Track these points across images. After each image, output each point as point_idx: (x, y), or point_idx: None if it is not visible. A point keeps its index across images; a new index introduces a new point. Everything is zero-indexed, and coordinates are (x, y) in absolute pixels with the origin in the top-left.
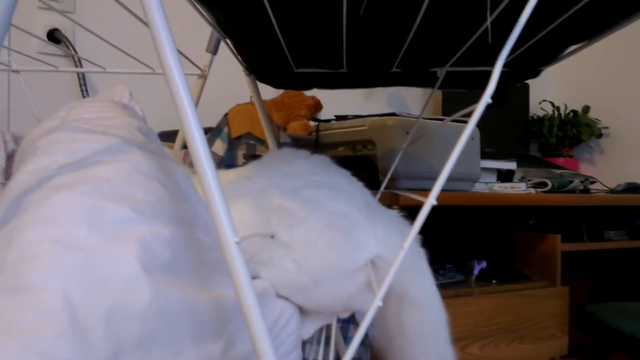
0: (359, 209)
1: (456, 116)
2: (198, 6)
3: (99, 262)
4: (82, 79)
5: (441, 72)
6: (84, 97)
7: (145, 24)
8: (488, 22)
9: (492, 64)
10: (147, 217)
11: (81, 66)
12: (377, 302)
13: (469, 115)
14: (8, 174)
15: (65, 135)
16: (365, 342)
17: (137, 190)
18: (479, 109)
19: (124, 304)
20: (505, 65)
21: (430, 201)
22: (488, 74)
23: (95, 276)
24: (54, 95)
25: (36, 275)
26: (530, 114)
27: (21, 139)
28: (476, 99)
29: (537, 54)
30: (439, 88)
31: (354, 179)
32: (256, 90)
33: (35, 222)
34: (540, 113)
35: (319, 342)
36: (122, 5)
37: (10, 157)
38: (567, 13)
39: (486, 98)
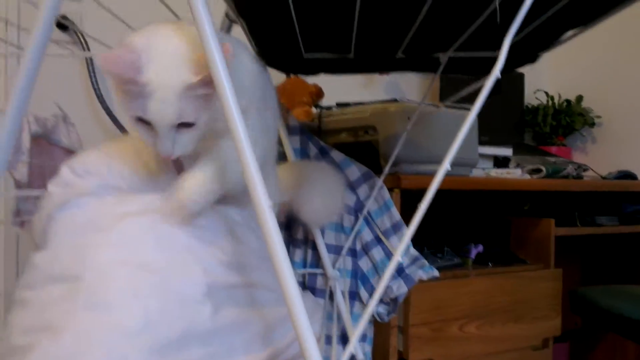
0: None
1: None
2: None
3: (173, 284)
4: (90, 64)
5: (444, 58)
6: (92, 81)
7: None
8: (496, 3)
9: (492, 49)
10: (208, 244)
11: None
12: (397, 258)
13: (473, 97)
14: (32, 154)
15: None
16: (369, 319)
17: (199, 220)
18: (490, 82)
19: (194, 322)
20: None
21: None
22: (487, 60)
23: (172, 296)
24: (64, 81)
25: (116, 294)
26: (525, 104)
27: (42, 121)
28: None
29: (536, 40)
30: (442, 73)
31: None
32: None
33: (109, 244)
34: (535, 102)
35: (330, 318)
36: None
37: (34, 139)
38: None
39: (496, 72)
